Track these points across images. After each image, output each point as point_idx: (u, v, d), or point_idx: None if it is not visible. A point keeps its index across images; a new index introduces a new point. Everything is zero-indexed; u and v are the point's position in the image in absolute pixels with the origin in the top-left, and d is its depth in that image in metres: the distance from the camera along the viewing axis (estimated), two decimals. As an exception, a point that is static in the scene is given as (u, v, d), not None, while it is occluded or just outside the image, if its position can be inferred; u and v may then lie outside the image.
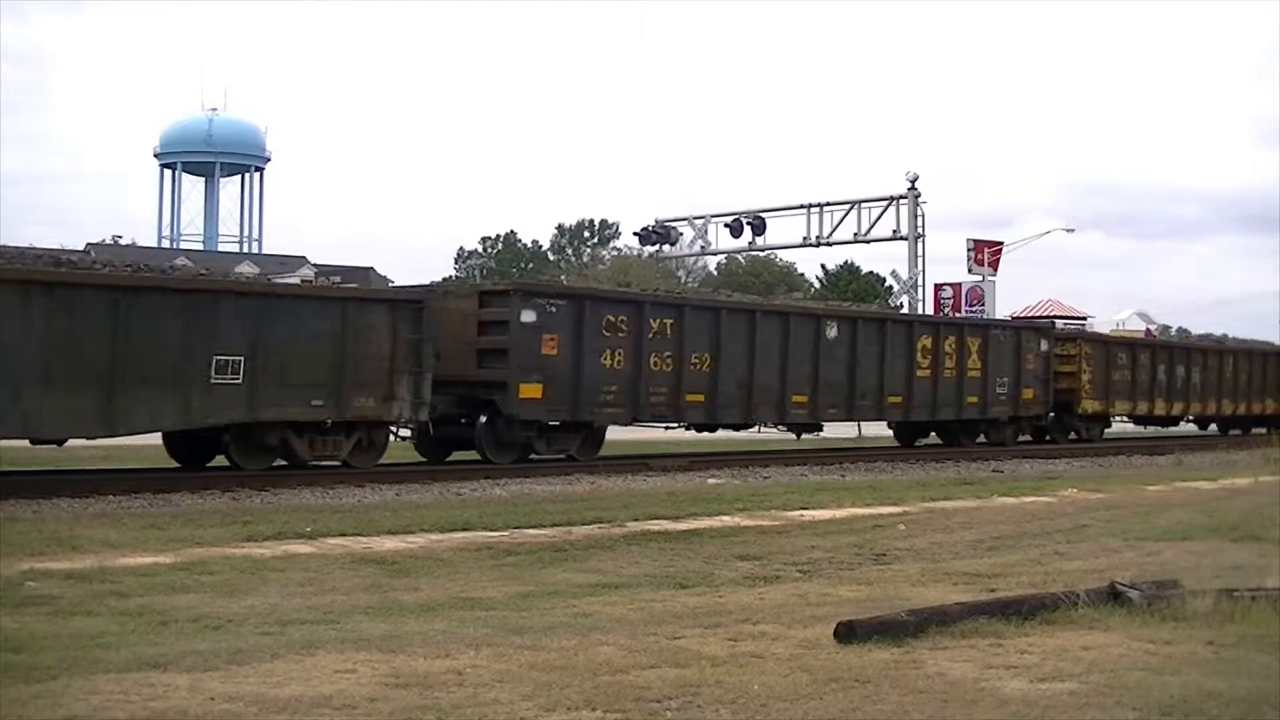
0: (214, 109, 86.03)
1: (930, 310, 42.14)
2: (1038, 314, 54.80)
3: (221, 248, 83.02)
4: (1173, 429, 36.04)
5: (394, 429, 19.32)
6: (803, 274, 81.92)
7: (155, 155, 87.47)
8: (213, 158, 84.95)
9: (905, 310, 41.67)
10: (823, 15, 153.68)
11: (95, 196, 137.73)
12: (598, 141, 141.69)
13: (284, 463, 17.98)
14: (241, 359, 16.80)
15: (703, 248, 47.02)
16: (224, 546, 11.59)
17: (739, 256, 66.02)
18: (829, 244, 43.43)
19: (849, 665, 6.69)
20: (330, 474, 18.15)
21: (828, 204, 42.25)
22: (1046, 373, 28.92)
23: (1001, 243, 45.51)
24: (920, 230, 40.90)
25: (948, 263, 79.77)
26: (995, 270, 43.88)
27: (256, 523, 13.22)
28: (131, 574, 9.91)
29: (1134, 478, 21.81)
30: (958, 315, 40.12)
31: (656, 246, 47.09)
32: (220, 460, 18.14)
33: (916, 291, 42.00)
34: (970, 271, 43.70)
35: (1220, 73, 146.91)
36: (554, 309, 20.36)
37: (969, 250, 43.67)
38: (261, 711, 5.71)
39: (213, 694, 5.99)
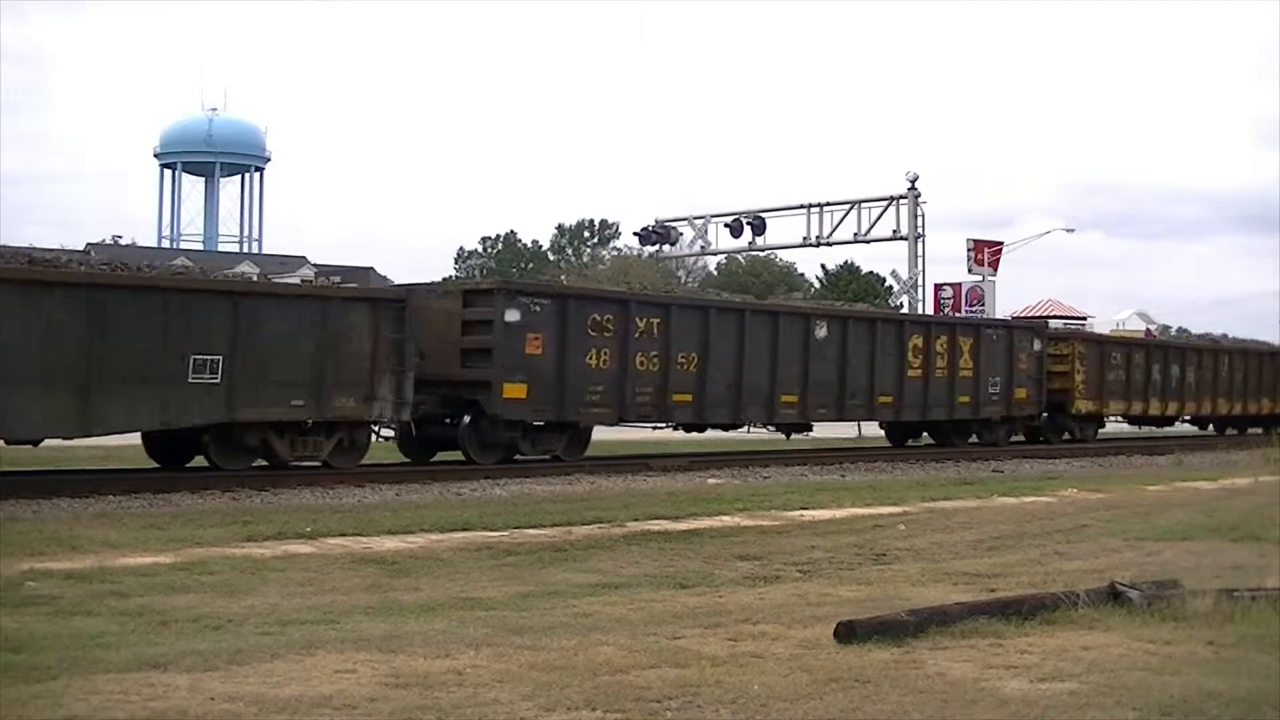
0: (214, 109, 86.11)
1: (931, 310, 42.14)
2: (1038, 314, 54.79)
3: (221, 248, 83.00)
4: (1168, 429, 35.90)
5: (376, 429, 19.15)
6: (803, 274, 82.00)
7: (155, 155, 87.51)
8: (213, 158, 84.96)
9: (905, 310, 41.70)
10: (823, 15, 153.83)
11: (95, 196, 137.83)
12: (598, 141, 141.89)
13: (265, 463, 17.79)
14: (220, 358, 16.61)
15: (703, 248, 47.02)
16: (224, 546, 11.59)
17: (739, 256, 66.01)
18: (829, 244, 43.43)
19: (849, 665, 6.69)
20: (330, 474, 18.13)
21: (828, 204, 42.26)
22: (1040, 372, 28.78)
23: (1001, 243, 45.56)
24: (920, 230, 40.92)
25: (948, 263, 79.77)
26: (995, 270, 43.89)
27: (256, 523, 13.22)
28: (131, 574, 9.91)
29: (1134, 478, 21.81)
30: (953, 315, 39.99)
31: (656, 246, 47.10)
32: (200, 461, 17.92)
33: (916, 292, 42.02)
34: (970, 271, 43.71)
35: (1220, 73, 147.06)
36: (538, 308, 20.21)
37: (969, 250, 43.67)
38: (261, 711, 5.71)
39: (213, 694, 6.00)
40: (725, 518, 14.88)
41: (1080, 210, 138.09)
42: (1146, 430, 36.18)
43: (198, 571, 10.13)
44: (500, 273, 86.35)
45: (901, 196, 40.76)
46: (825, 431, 29.29)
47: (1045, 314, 55.35)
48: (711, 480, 20.15)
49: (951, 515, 15.45)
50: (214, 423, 16.89)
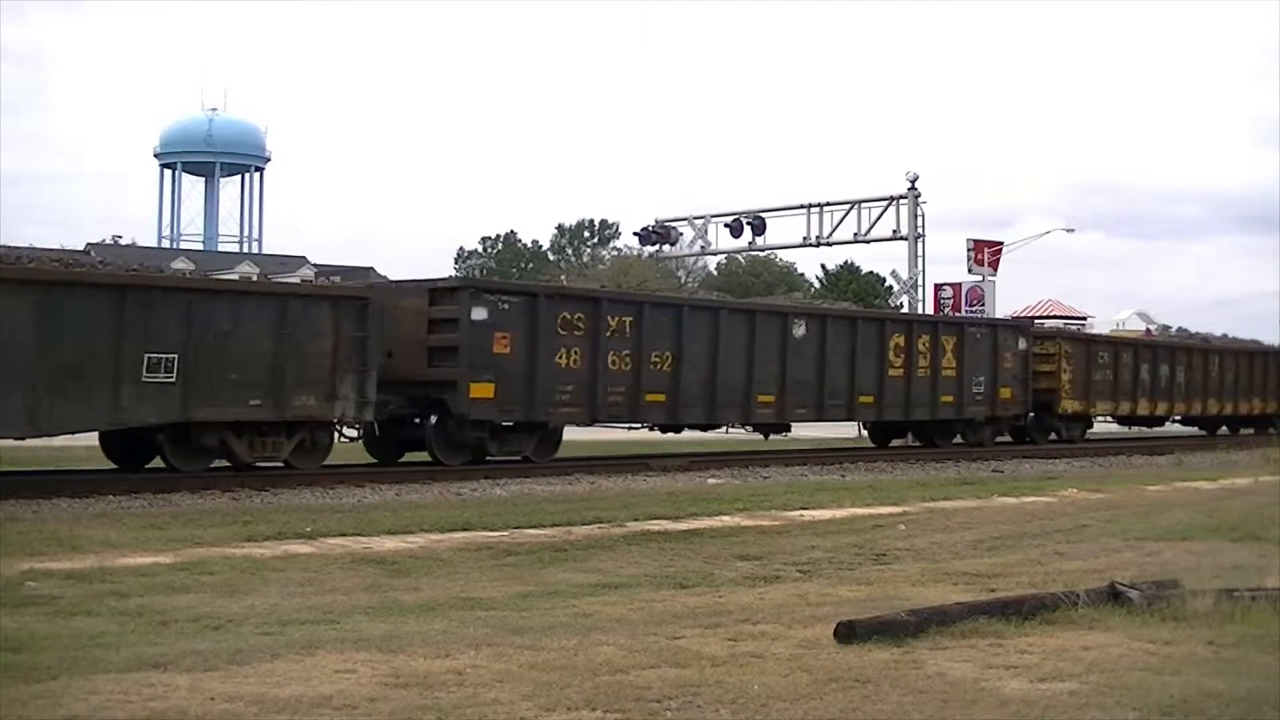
0: (214, 109, 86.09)
1: (931, 310, 42.13)
2: (1038, 314, 54.86)
3: (221, 248, 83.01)
4: (1159, 429, 35.61)
5: (339, 429, 18.79)
6: (803, 274, 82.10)
7: (155, 155, 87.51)
8: (213, 158, 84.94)
9: (905, 310, 41.70)
10: (823, 15, 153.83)
11: (95, 196, 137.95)
12: (598, 141, 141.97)
13: (227, 464, 17.48)
14: (175, 357, 16.25)
15: (703, 248, 47.00)
16: (224, 546, 11.59)
17: (739, 256, 66.03)
18: (829, 244, 43.41)
19: (849, 665, 6.69)
20: (330, 474, 18.13)
21: (828, 204, 42.23)
22: (1025, 372, 28.45)
23: (1001, 243, 45.52)
24: (920, 230, 40.89)
25: (948, 263, 79.76)
26: (995, 270, 43.86)
27: (256, 523, 13.22)
28: (131, 574, 9.91)
29: (1134, 478, 21.82)
30: (935, 314, 39.70)
31: (656, 246, 47.08)
32: (160, 462, 17.54)
33: (916, 291, 42.00)
34: (970, 271, 43.68)
35: (1220, 73, 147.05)
36: (506, 306, 19.90)
37: (969, 250, 43.65)
38: (261, 711, 5.71)
39: (213, 694, 6.00)
40: (725, 518, 14.88)
41: (1080, 210, 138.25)
42: (1137, 430, 35.83)
43: (198, 571, 10.13)
44: (500, 273, 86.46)
45: (901, 196, 40.75)
46: (825, 431, 29.28)
47: (1045, 314, 55.45)
48: (711, 480, 20.15)
49: (951, 515, 15.45)
50: (169, 423, 16.53)
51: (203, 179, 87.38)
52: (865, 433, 32.42)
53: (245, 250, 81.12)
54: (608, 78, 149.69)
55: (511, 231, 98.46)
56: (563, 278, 65.88)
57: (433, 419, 19.69)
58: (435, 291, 20.27)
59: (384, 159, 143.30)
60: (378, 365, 18.27)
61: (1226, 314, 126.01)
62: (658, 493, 17.72)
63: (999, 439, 29.01)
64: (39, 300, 15.39)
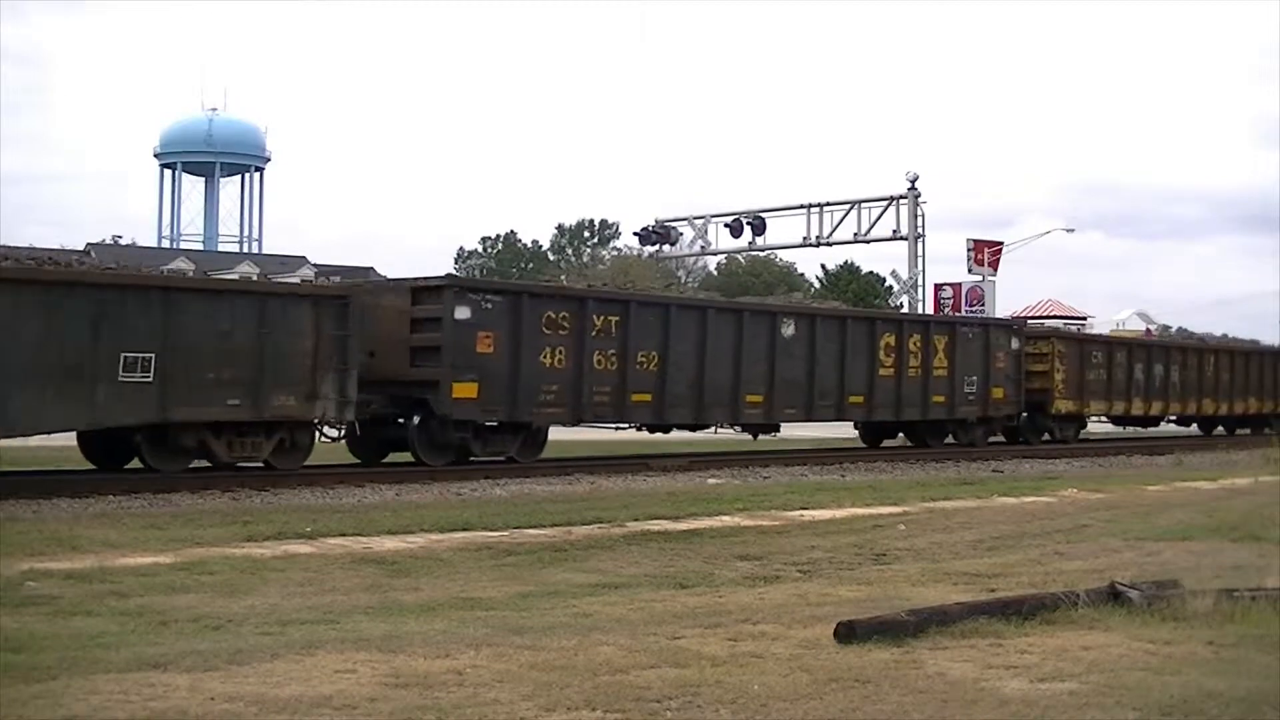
0: (214, 109, 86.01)
1: (931, 310, 42.15)
2: (1038, 314, 54.85)
3: (221, 248, 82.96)
4: (1153, 429, 35.39)
5: (320, 429, 18.60)
6: (803, 274, 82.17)
7: (155, 155, 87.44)
8: (213, 158, 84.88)
9: (905, 310, 41.70)
10: (823, 15, 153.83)
11: (95, 196, 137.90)
12: (598, 141, 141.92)
13: (208, 464, 17.31)
14: (151, 356, 16.05)
15: (703, 248, 47.06)
16: (224, 546, 11.59)
17: (739, 256, 66.09)
18: (829, 244, 43.47)
19: (849, 665, 6.70)
20: (330, 474, 18.13)
21: (828, 204, 42.30)
22: (1018, 372, 28.19)
23: (1001, 243, 45.61)
24: (920, 230, 40.96)
25: (948, 263, 79.75)
26: (995, 270, 43.92)
27: (256, 523, 13.22)
28: (131, 574, 9.91)
29: (1134, 478, 21.81)
30: (927, 314, 39.61)
31: (656, 246, 47.14)
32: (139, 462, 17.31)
33: (916, 292, 42.06)
34: (970, 271, 43.74)
35: (1220, 73, 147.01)
36: (489, 305, 19.66)
37: (969, 250, 43.71)
38: (261, 711, 5.72)
39: (213, 694, 6.00)
40: (725, 518, 14.88)
41: (1080, 210, 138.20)
42: (1134, 431, 35.62)
43: (198, 571, 10.13)
44: (500, 273, 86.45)
45: (901, 196, 40.80)
46: (824, 431, 29.24)
47: (1045, 314, 55.44)
48: (711, 480, 20.15)
49: (951, 515, 15.45)
50: (146, 423, 16.36)
51: (203, 179, 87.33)
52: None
53: (245, 250, 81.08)
54: (608, 78, 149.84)
55: (511, 231, 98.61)
56: (562, 278, 65.89)
57: (415, 419, 19.49)
58: (418, 290, 20.05)
59: (384, 159, 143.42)
60: (359, 365, 18.08)
61: (1226, 314, 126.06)
62: (658, 493, 17.72)
63: (992, 439, 28.78)
64: (12, 299, 15.23)
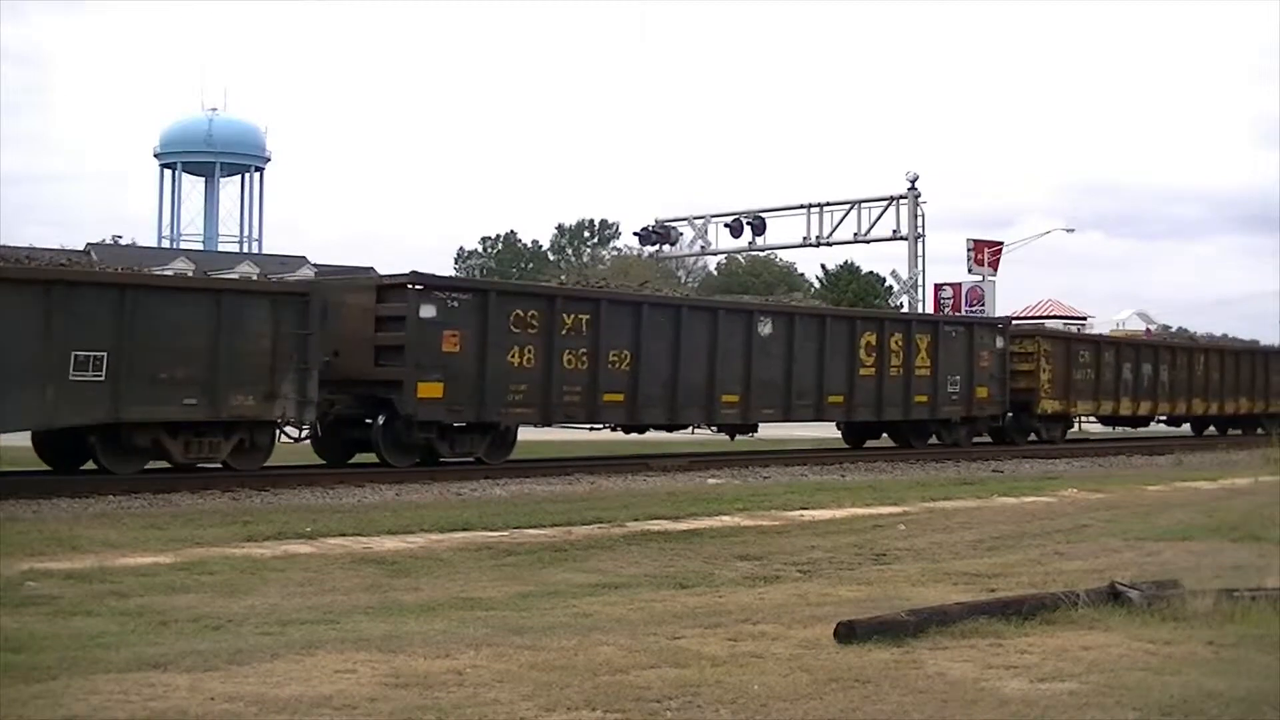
0: (214, 109, 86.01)
1: (931, 310, 42.15)
2: (1038, 314, 54.87)
3: (221, 248, 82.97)
4: (1143, 429, 35.01)
5: (280, 429, 18.14)
6: (803, 274, 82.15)
7: (155, 155, 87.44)
8: (213, 158, 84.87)
9: (905, 310, 41.70)
10: (823, 15, 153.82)
11: (95, 196, 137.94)
12: (598, 141, 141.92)
13: (167, 465, 17.03)
14: (104, 354, 15.68)
15: (703, 248, 47.05)
16: (224, 546, 11.59)
17: (739, 256, 66.08)
18: (829, 244, 43.45)
19: (849, 665, 6.70)
20: (330, 474, 18.12)
21: (828, 204, 42.27)
22: (1003, 371, 27.75)
23: (1001, 243, 45.58)
24: (920, 230, 40.93)
25: (948, 263, 79.76)
26: (995, 270, 43.91)
27: (256, 523, 13.22)
28: (131, 574, 9.91)
29: (1134, 478, 21.81)
30: (909, 312, 39.33)
31: (656, 246, 47.12)
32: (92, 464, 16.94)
33: (916, 292, 42.03)
34: (970, 271, 43.72)
35: (1220, 73, 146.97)
36: (456, 303, 19.27)
37: (969, 250, 43.69)
38: (261, 711, 5.72)
39: (213, 694, 6.00)
40: (725, 518, 14.89)
41: (1080, 210, 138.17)
42: (1123, 431, 35.16)
43: (198, 571, 10.13)
44: (500, 273, 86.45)
45: (901, 196, 40.77)
46: (825, 431, 29.21)
47: (1045, 314, 55.46)
48: (711, 480, 20.15)
49: (951, 515, 15.45)
50: (98, 423, 16.02)
51: (203, 179, 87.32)
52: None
53: (245, 250, 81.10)
54: (608, 78, 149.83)
55: (511, 231, 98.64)
56: (562, 278, 65.81)
57: (380, 419, 19.14)
58: (382, 288, 19.79)
59: (384, 159, 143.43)
60: (320, 364, 17.75)
61: (1226, 314, 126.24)
62: (658, 493, 17.72)
63: (976, 440, 28.36)
64: None
